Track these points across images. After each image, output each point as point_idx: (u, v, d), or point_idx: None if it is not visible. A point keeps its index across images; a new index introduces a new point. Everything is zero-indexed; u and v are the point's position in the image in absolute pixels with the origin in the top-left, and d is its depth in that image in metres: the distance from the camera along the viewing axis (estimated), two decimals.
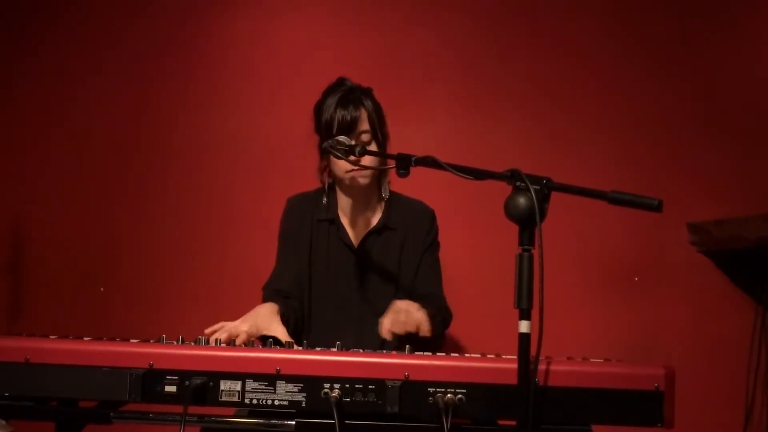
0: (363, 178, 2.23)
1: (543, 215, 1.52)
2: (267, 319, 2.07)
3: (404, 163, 1.83)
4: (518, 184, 1.55)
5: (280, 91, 3.23)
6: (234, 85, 3.29)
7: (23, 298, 3.29)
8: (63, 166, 3.33)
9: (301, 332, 2.27)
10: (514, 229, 1.55)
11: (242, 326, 1.99)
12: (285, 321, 2.10)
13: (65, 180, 3.32)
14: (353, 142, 2.10)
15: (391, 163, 1.86)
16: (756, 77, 3.17)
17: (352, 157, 2.11)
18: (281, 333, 2.04)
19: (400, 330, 1.95)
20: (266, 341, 1.80)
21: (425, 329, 1.98)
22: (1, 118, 3.37)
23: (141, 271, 3.24)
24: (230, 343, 1.78)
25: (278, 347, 1.77)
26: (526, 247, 1.53)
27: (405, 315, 1.98)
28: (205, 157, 3.27)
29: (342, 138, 2.11)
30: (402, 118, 3.19)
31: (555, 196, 1.57)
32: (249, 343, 1.95)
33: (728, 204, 3.04)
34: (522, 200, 1.52)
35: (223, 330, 1.97)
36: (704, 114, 3.15)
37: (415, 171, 1.85)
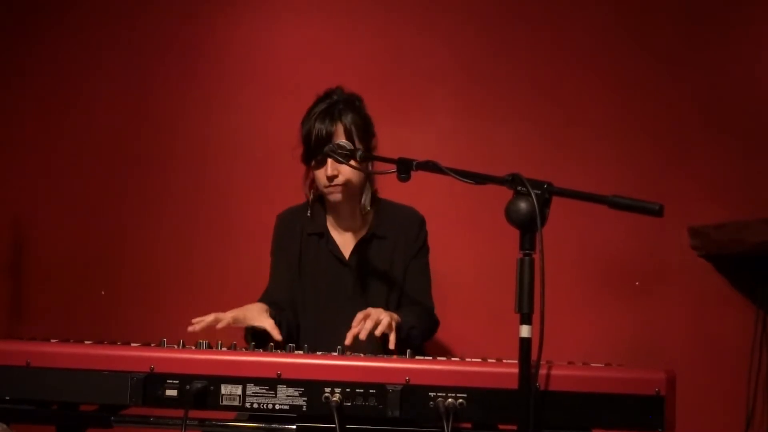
0: (339, 194, 2.23)
1: (544, 220, 1.52)
2: (256, 311, 2.09)
3: (405, 168, 1.83)
4: (519, 188, 1.56)
5: (282, 94, 3.24)
6: (235, 88, 3.30)
7: (24, 301, 3.29)
8: (64, 169, 3.33)
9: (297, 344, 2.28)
10: (515, 233, 1.55)
11: (230, 312, 2.01)
12: (276, 324, 2.11)
13: (66, 183, 3.33)
14: (354, 147, 2.09)
15: (391, 168, 1.86)
16: (757, 81, 3.17)
17: (329, 171, 2.15)
18: (269, 325, 2.04)
19: (363, 335, 1.93)
20: (267, 345, 1.80)
21: (391, 340, 1.97)
22: (1, 120, 3.38)
23: (142, 275, 3.24)
24: (231, 347, 1.79)
25: (275, 349, 1.77)
26: (527, 251, 1.53)
27: (372, 321, 1.95)
28: (207, 160, 3.28)
29: (343, 142, 2.11)
30: (403, 121, 3.21)
31: (556, 200, 1.57)
32: (249, 340, 1.97)
33: (729, 208, 3.04)
34: (523, 205, 1.52)
35: (210, 315, 1.98)
36: (705, 117, 3.16)
37: (416, 175, 1.85)
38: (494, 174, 1.67)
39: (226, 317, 2.00)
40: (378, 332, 1.93)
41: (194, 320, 1.96)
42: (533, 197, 1.52)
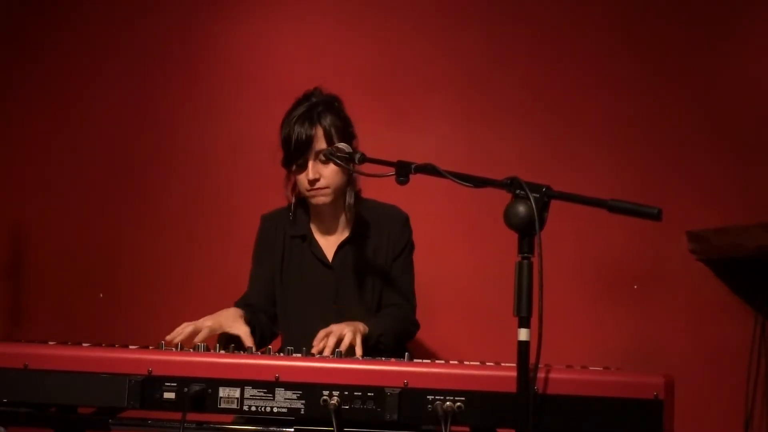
0: (322, 197, 2.22)
1: (542, 223, 1.52)
2: (231, 318, 2.11)
3: (404, 171, 1.83)
4: (518, 192, 1.56)
5: (281, 99, 3.20)
6: (234, 93, 3.30)
7: (22, 304, 3.29)
8: (63, 172, 3.33)
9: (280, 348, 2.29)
10: (514, 236, 1.55)
11: (206, 322, 2.04)
12: (251, 330, 2.12)
13: (65, 186, 3.33)
14: (352, 150, 2.10)
15: (390, 171, 1.86)
16: (756, 85, 3.17)
17: (310, 176, 2.15)
18: (244, 332, 2.06)
19: (327, 351, 1.93)
20: (229, 347, 1.80)
21: (357, 352, 1.97)
22: (1, 123, 3.38)
23: (140, 278, 3.24)
24: (229, 350, 1.78)
25: (241, 352, 1.77)
26: (525, 254, 1.53)
27: (334, 338, 1.96)
28: (206, 164, 3.28)
29: (341, 145, 2.12)
30: (402, 125, 3.21)
31: (554, 203, 1.57)
32: (249, 350, 1.96)
33: (728, 212, 3.04)
34: (521, 208, 1.52)
35: (186, 325, 1.99)
36: (704, 122, 3.16)
37: (415, 178, 1.85)
38: (493, 177, 1.67)
39: (203, 328, 2.01)
40: (342, 348, 1.93)
41: (168, 337, 1.94)
42: (532, 201, 1.52)
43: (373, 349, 2.05)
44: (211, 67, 3.33)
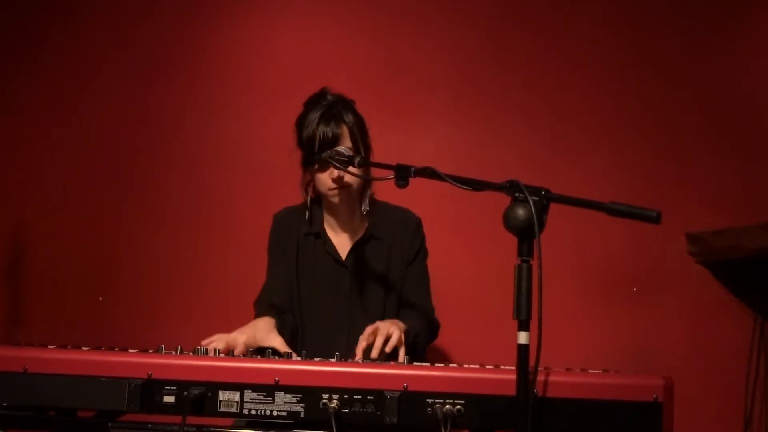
0: (344, 195, 2.23)
1: (542, 226, 1.52)
2: (264, 330, 2.09)
3: (403, 174, 1.83)
4: (517, 195, 1.56)
5: (281, 99, 3.23)
6: (234, 93, 3.30)
7: (22, 307, 3.28)
8: (63, 174, 3.33)
9: (296, 345, 2.28)
10: (513, 239, 1.55)
11: (240, 337, 2.02)
12: (282, 335, 2.11)
13: (65, 188, 3.32)
14: (352, 153, 2.10)
15: (389, 174, 1.86)
16: (756, 86, 3.18)
17: (334, 174, 2.15)
18: (279, 343, 2.05)
19: (375, 353, 1.94)
20: (265, 352, 1.81)
21: (401, 355, 1.98)
22: (1, 123, 3.38)
23: (140, 281, 3.24)
24: (229, 353, 1.79)
25: (277, 357, 1.77)
26: (524, 258, 1.53)
27: (382, 337, 1.96)
28: (206, 166, 3.28)
29: (341, 148, 2.12)
30: (401, 127, 3.21)
31: (553, 206, 1.57)
32: (247, 354, 1.96)
33: (727, 214, 3.05)
34: (521, 211, 1.53)
35: (220, 340, 1.98)
36: (703, 124, 3.16)
37: (414, 181, 1.85)
38: (492, 180, 1.67)
39: (239, 344, 1.99)
40: (389, 348, 1.94)
41: (203, 343, 1.96)
42: (531, 204, 1.52)
43: (409, 348, 2.05)
44: (211, 67, 3.33)
